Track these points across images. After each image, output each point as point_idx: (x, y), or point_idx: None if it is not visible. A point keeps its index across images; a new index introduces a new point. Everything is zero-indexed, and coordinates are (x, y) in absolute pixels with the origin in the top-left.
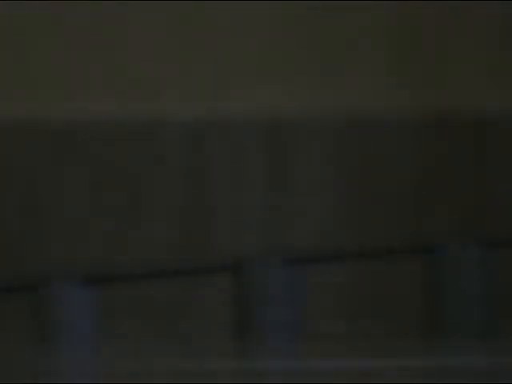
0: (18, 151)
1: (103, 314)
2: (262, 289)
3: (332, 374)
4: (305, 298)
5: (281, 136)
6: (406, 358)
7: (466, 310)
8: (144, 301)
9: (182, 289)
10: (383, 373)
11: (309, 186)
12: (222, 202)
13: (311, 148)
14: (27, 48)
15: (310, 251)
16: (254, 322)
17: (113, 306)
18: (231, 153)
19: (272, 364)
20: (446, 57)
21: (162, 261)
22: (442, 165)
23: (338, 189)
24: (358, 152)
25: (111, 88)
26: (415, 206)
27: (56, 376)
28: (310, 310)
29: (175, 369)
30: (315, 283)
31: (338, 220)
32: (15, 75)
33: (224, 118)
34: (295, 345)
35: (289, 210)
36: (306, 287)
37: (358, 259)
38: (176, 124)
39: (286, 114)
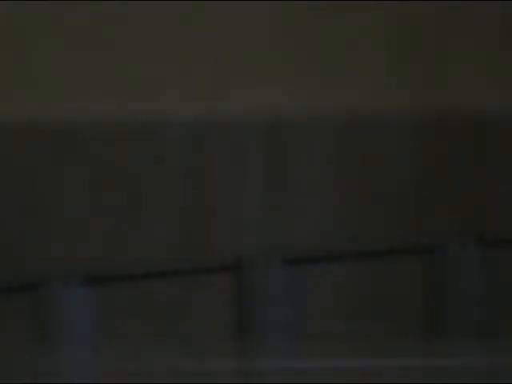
0: (18, 151)
1: (103, 314)
2: (262, 289)
3: (332, 374)
4: (305, 298)
5: (281, 136)
6: (406, 358)
7: (465, 309)
8: (144, 301)
9: (182, 289)
10: (383, 373)
11: (309, 185)
12: (221, 202)
13: (311, 148)
14: (27, 48)
15: (309, 251)
16: (254, 322)
17: (113, 305)
18: (231, 153)
19: (272, 364)
20: (446, 57)
21: (161, 261)
22: (442, 165)
23: (337, 189)
24: (358, 152)
25: (111, 88)
26: (415, 206)
27: (56, 376)
28: (309, 309)
29: (175, 369)
30: (315, 283)
31: (338, 220)
32: (15, 75)
33: (224, 117)
34: (295, 345)
35: (289, 210)
36: (306, 287)
37: (358, 259)
38: (176, 124)
39: (286, 114)
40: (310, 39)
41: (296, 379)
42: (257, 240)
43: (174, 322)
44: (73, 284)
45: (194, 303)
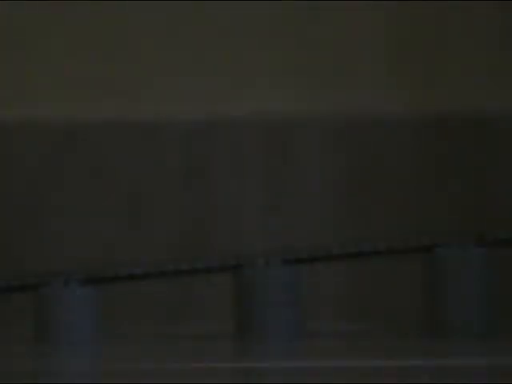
0: (18, 151)
1: (103, 314)
2: (262, 289)
3: (332, 374)
4: (305, 298)
5: (281, 136)
6: (406, 358)
7: (466, 310)
8: (144, 301)
9: (182, 289)
10: (383, 373)
11: (309, 186)
12: (221, 202)
13: (311, 148)
14: (27, 48)
15: (310, 251)
16: (254, 322)
17: (113, 306)
18: (231, 153)
19: (272, 364)
20: (446, 57)
21: (161, 261)
22: (442, 165)
23: (337, 189)
24: (358, 152)
25: (111, 88)
26: (415, 205)
27: (56, 376)
28: (309, 310)
29: (175, 369)
30: (315, 283)
31: (338, 220)
32: (15, 75)
33: (224, 117)
34: (295, 345)
35: (289, 210)
36: (305, 287)
37: (358, 259)
38: (176, 124)
39: (286, 114)
40: (310, 39)
41: (296, 379)
42: (257, 240)
43: (174, 322)
44: (73, 284)
45: (194, 303)
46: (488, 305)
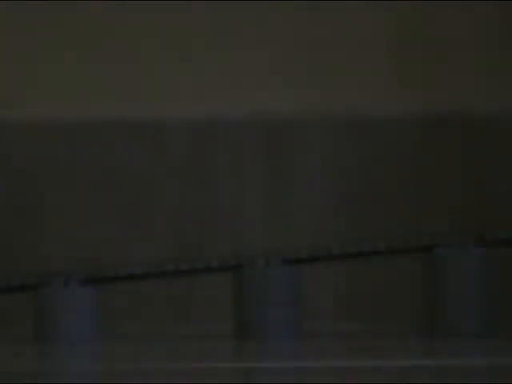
0: (18, 151)
1: (103, 314)
2: (262, 289)
3: (332, 374)
4: (305, 298)
5: (281, 136)
6: (406, 358)
7: (466, 310)
8: (144, 301)
9: (182, 289)
10: (383, 373)
11: (309, 186)
12: (222, 202)
13: (311, 148)
14: (27, 48)
15: (310, 251)
16: (254, 322)
17: (113, 305)
18: (231, 153)
19: (272, 364)
20: (446, 57)
21: (161, 261)
22: (442, 165)
23: (337, 189)
24: (358, 152)
25: (111, 88)
26: (415, 205)
27: (56, 376)
28: (309, 310)
29: (175, 369)
30: (315, 283)
31: (338, 220)
32: (15, 76)
33: (224, 118)
34: (295, 345)
35: (289, 210)
36: (305, 287)
37: (358, 259)
38: (176, 124)
39: (286, 114)
40: (310, 39)
41: (296, 379)
42: (257, 240)
43: (173, 322)
44: (73, 284)
45: (194, 303)
46: (488, 305)
